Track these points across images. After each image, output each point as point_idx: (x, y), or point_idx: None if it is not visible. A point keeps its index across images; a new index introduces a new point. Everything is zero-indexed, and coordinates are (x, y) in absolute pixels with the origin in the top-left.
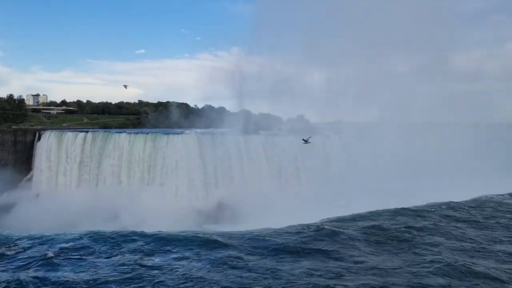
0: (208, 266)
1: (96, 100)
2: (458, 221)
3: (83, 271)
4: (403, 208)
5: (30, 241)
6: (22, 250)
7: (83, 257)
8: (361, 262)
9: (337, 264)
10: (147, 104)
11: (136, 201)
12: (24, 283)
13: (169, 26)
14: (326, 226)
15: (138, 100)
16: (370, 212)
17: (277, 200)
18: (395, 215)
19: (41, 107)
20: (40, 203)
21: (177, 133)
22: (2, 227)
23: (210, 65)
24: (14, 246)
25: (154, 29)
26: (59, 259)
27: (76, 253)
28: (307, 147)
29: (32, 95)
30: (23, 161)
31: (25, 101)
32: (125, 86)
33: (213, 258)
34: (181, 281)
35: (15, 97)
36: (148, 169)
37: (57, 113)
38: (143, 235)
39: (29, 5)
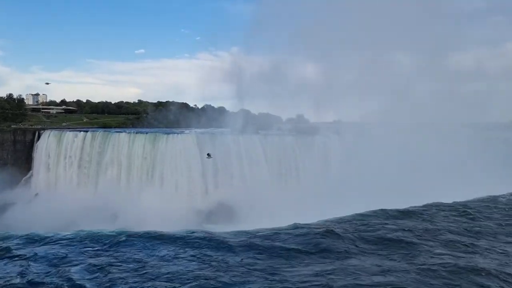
0: (205, 265)
1: (95, 99)
2: (459, 221)
3: (77, 271)
4: (403, 209)
5: (27, 241)
6: (17, 249)
7: (76, 256)
8: (361, 263)
9: (336, 264)
10: (147, 103)
11: (136, 201)
12: (17, 283)
13: (169, 26)
14: (325, 226)
15: (138, 100)
16: (370, 212)
17: (277, 199)
18: (395, 215)
19: (40, 106)
20: (40, 203)
21: (177, 133)
22: (1, 226)
23: (210, 65)
24: (11, 245)
25: (154, 29)
26: (51, 258)
27: (69, 253)
28: (307, 148)
29: (32, 95)
30: (23, 160)
31: (25, 101)
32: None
33: (210, 257)
34: (176, 280)
35: (15, 97)
36: (147, 168)
37: (57, 112)
38: (140, 234)
39: (29, 5)
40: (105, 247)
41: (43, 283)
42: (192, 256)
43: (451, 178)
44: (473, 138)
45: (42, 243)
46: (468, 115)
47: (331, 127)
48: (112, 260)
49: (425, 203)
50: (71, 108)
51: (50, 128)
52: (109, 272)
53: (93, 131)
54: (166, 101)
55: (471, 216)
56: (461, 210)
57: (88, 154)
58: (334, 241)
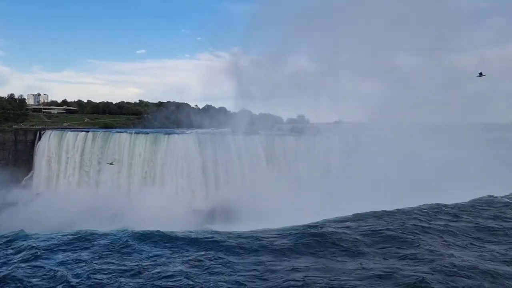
0: (205, 265)
1: (96, 100)
2: (458, 221)
3: (73, 270)
4: (403, 209)
5: (26, 241)
6: (18, 248)
7: (76, 256)
8: (361, 263)
9: (336, 264)
10: (148, 104)
11: (136, 201)
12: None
13: (170, 26)
14: (326, 227)
15: (139, 100)
16: (370, 213)
17: (277, 200)
18: (394, 216)
19: (41, 106)
20: (41, 203)
21: (178, 133)
22: (2, 226)
23: (211, 65)
24: (11, 245)
25: (154, 29)
26: (48, 257)
27: (69, 252)
28: (307, 148)
29: (33, 95)
30: (24, 160)
31: (26, 101)
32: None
33: (210, 256)
34: (176, 279)
35: (16, 97)
36: (148, 169)
37: (58, 112)
38: (140, 234)
39: (30, 5)
40: (105, 247)
41: (37, 280)
42: (192, 255)
43: (451, 178)
44: (473, 138)
45: (43, 242)
46: (468, 116)
47: (332, 127)
48: (112, 260)
49: (425, 203)
50: (72, 108)
51: (51, 128)
52: (109, 271)
53: (94, 131)
54: (167, 101)
55: (471, 216)
56: (461, 210)
57: (89, 154)
58: (334, 241)
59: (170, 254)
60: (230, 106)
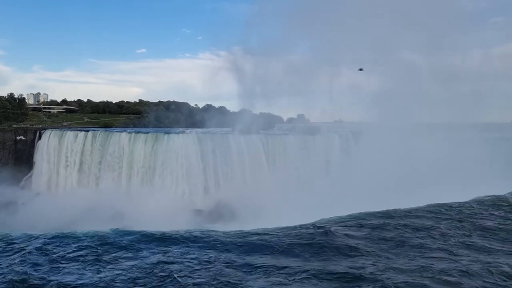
0: (204, 264)
1: (96, 99)
2: (458, 221)
3: (75, 270)
4: (404, 209)
5: (26, 240)
6: (18, 248)
7: (76, 255)
8: (358, 263)
9: (333, 264)
10: (148, 103)
11: (136, 201)
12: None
13: (170, 26)
14: (324, 227)
15: (139, 100)
16: (369, 212)
17: (277, 199)
18: (393, 215)
19: (41, 106)
20: (41, 202)
21: (178, 133)
22: (2, 226)
23: (211, 65)
24: (11, 244)
25: (155, 29)
26: (44, 257)
27: (68, 252)
28: (307, 147)
29: (33, 94)
30: (24, 160)
31: (26, 100)
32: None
33: (210, 256)
34: (175, 279)
35: (16, 96)
36: (148, 168)
37: (58, 112)
38: (140, 234)
39: (31, 4)
40: (104, 246)
41: (37, 280)
42: (192, 255)
43: (451, 178)
44: (472, 138)
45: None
46: (467, 115)
47: (332, 127)
48: (111, 259)
49: (426, 203)
50: (72, 107)
51: (51, 128)
52: (108, 271)
53: (94, 130)
54: (167, 101)
55: (471, 216)
56: (461, 210)
57: (89, 154)
58: (331, 241)
59: (170, 253)
60: (231, 106)
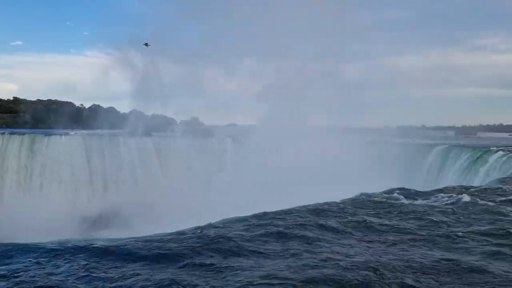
0: (79, 277)
1: None
2: (343, 218)
3: None
4: (293, 208)
5: None
6: None
7: None
8: (248, 265)
9: (223, 269)
10: (25, 101)
11: (10, 211)
12: None
13: (52, 17)
14: (219, 228)
15: (13, 97)
16: (253, 215)
17: (171, 203)
18: (287, 214)
19: None
20: None
21: (60, 134)
22: None
23: (99, 63)
24: None
25: (33, 19)
26: None
27: None
28: (200, 150)
29: None
30: None
31: None
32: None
33: (87, 267)
34: None
35: None
36: (24, 174)
37: None
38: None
39: None
40: None
41: None
42: (63, 267)
43: (331, 180)
44: (355, 142)
45: None
46: (355, 120)
47: (226, 129)
48: None
49: (313, 201)
50: None
51: None
52: None
53: None
54: (48, 100)
55: (353, 213)
56: (345, 207)
57: None
58: (220, 244)
59: (34, 267)
60: (121, 107)
